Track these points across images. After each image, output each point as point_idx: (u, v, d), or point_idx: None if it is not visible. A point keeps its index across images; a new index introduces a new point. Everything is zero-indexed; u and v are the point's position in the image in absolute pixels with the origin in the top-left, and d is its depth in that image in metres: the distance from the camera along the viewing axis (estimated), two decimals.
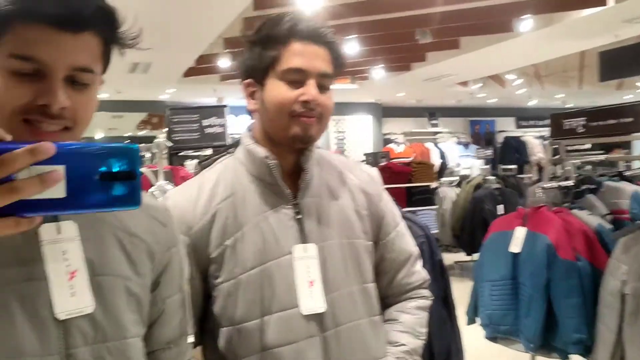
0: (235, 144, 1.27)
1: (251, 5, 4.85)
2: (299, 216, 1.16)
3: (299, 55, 1.12)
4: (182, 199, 1.16)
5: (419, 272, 1.33)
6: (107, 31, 0.80)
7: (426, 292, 1.34)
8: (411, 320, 1.27)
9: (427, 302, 1.33)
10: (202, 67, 7.57)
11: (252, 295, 1.11)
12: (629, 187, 2.79)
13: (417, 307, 1.30)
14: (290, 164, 1.18)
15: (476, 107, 13.48)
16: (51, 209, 0.57)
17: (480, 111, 13.70)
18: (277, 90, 1.13)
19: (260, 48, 1.15)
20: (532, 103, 13.14)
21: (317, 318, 1.13)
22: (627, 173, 3.26)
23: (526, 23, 5.70)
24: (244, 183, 1.17)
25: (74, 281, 0.79)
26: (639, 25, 5.69)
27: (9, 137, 0.56)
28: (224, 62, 6.87)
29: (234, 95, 10.27)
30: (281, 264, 1.13)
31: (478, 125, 13.75)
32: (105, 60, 0.83)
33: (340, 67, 1.19)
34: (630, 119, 3.24)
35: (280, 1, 4.93)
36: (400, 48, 7.03)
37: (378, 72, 8.31)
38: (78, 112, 0.77)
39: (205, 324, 1.19)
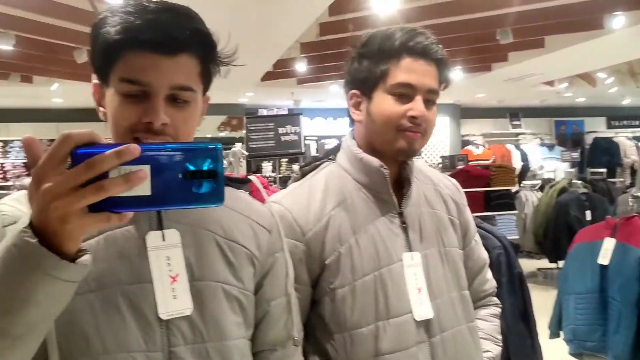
0: (334, 150, 1.30)
1: (327, 10, 4.88)
2: (404, 225, 1.19)
3: (409, 71, 1.14)
4: (292, 205, 1.18)
5: (491, 279, 1.38)
6: (203, 52, 0.87)
7: (496, 300, 1.38)
8: (489, 327, 1.32)
9: (499, 310, 1.38)
10: (279, 72, 7.72)
11: (367, 301, 1.14)
12: None
13: (491, 314, 1.34)
14: (394, 173, 1.21)
15: (562, 107, 12.84)
16: (138, 205, 0.61)
17: (567, 111, 13.03)
18: (385, 104, 1.16)
19: (369, 61, 1.18)
20: (626, 102, 12.33)
21: (425, 324, 1.16)
22: None
23: (618, 20, 5.37)
24: (351, 190, 1.20)
25: (175, 285, 0.86)
26: None
27: (103, 141, 0.61)
28: (301, 66, 6.97)
29: (310, 98, 10.40)
30: (392, 271, 1.16)
31: (564, 126, 13.09)
32: (206, 79, 0.91)
33: (446, 83, 1.21)
34: None
35: (355, 6, 4.93)
36: (480, 49, 6.83)
37: (456, 73, 8.12)
38: (179, 128, 0.85)
39: (307, 329, 1.20)
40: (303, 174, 1.28)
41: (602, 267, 2.48)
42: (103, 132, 0.63)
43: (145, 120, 0.82)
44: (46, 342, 0.77)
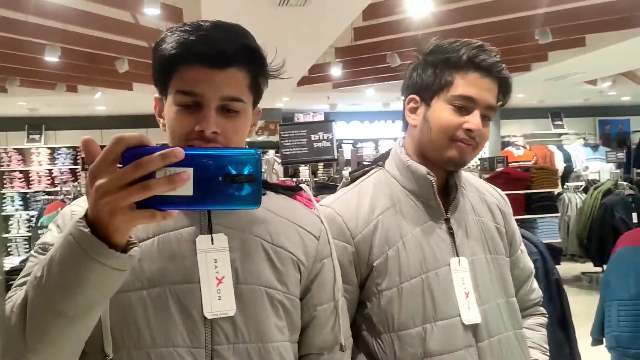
0: (383, 157, 1.33)
1: (360, 15, 4.89)
2: (451, 230, 1.22)
3: (474, 85, 1.17)
4: (342, 209, 1.22)
5: (537, 289, 1.40)
6: (252, 65, 0.93)
7: (543, 309, 1.40)
8: (536, 336, 1.33)
9: (545, 319, 1.39)
10: (314, 76, 7.76)
11: (414, 303, 1.16)
12: None
13: (538, 324, 1.36)
14: (441, 180, 1.24)
15: (606, 106, 12.42)
16: (181, 204, 0.66)
17: (612, 110, 12.61)
18: (444, 113, 1.19)
19: (434, 69, 1.21)
20: None
21: (473, 329, 1.17)
22: None
23: None
24: (399, 196, 1.24)
25: (221, 286, 0.90)
26: None
27: (152, 143, 0.66)
28: (336, 71, 6.99)
29: (346, 101, 10.41)
30: (439, 275, 1.18)
31: (609, 125, 12.67)
32: (256, 91, 0.96)
33: (504, 102, 1.23)
34: None
35: (388, 11, 4.93)
36: (518, 49, 6.69)
37: None
38: (230, 137, 0.91)
39: (353, 329, 1.21)
40: (352, 180, 1.31)
41: None
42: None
43: (197, 128, 0.88)
44: (102, 332, 0.84)
